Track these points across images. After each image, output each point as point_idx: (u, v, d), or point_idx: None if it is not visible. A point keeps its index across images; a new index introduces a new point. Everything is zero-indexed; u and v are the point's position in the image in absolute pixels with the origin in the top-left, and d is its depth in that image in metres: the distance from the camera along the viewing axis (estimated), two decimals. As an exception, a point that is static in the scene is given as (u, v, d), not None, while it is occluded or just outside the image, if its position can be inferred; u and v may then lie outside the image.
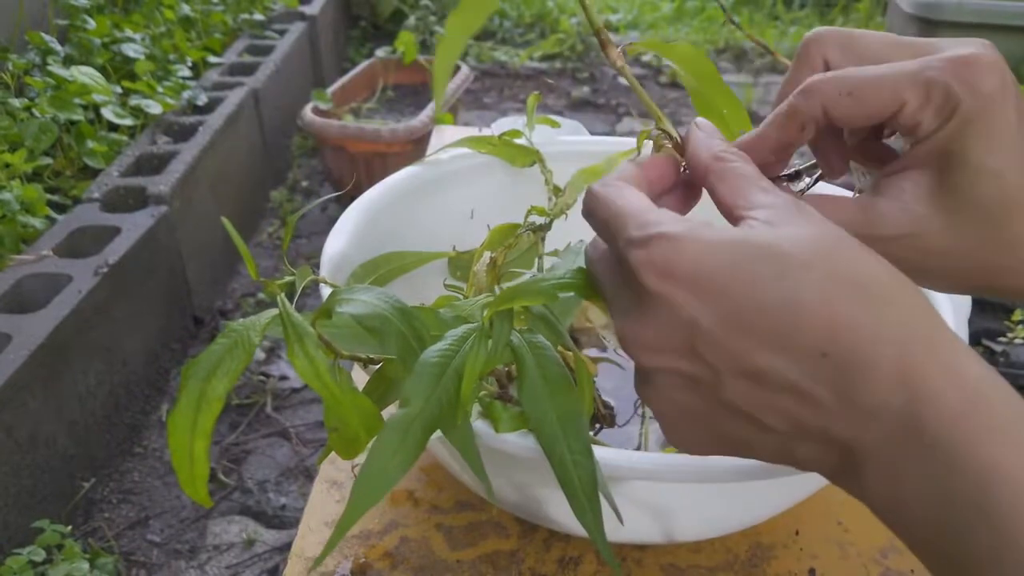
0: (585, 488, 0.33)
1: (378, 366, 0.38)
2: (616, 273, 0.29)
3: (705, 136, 0.31)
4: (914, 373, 0.24)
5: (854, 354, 0.24)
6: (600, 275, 0.30)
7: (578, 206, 0.39)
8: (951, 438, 0.23)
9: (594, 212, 0.29)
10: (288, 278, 0.37)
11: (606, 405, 0.57)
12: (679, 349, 0.26)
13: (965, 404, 0.23)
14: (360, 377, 0.39)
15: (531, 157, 0.63)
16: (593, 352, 0.63)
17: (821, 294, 0.24)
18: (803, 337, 0.24)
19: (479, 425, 0.38)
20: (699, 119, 0.32)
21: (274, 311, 0.33)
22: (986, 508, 0.22)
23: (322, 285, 0.43)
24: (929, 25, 2.01)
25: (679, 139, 0.32)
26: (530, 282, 0.34)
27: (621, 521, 0.35)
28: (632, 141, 0.64)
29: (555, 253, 0.55)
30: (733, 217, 0.28)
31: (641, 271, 0.26)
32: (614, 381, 0.60)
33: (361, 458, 0.33)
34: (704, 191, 0.30)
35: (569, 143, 0.67)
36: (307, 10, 2.32)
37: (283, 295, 0.33)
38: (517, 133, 0.63)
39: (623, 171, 0.30)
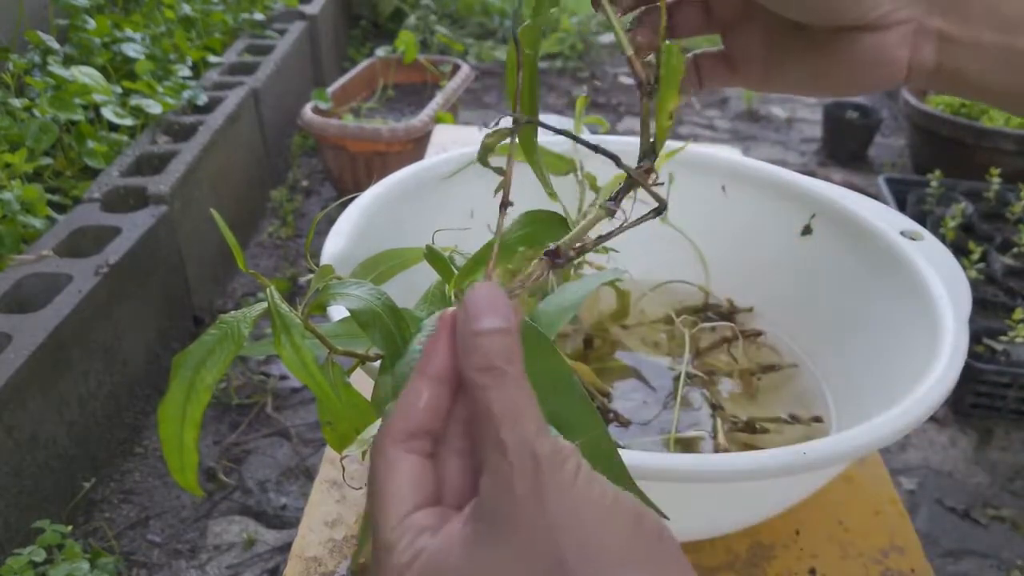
0: (597, 438, 0.33)
1: (376, 363, 0.38)
2: None
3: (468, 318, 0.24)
4: None
5: None
6: None
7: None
8: None
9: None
10: (308, 276, 0.37)
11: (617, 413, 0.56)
12: None
13: None
14: (363, 379, 0.38)
15: (569, 165, 0.60)
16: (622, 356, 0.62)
17: None
18: None
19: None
20: (476, 285, 0.25)
21: (266, 304, 0.33)
22: None
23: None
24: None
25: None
26: (485, 250, 0.34)
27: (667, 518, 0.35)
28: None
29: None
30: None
31: None
32: (633, 403, 0.58)
33: (354, 449, 0.33)
34: None
35: (601, 143, 0.66)
36: (307, 10, 2.32)
37: (272, 286, 0.33)
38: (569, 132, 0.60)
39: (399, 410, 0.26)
